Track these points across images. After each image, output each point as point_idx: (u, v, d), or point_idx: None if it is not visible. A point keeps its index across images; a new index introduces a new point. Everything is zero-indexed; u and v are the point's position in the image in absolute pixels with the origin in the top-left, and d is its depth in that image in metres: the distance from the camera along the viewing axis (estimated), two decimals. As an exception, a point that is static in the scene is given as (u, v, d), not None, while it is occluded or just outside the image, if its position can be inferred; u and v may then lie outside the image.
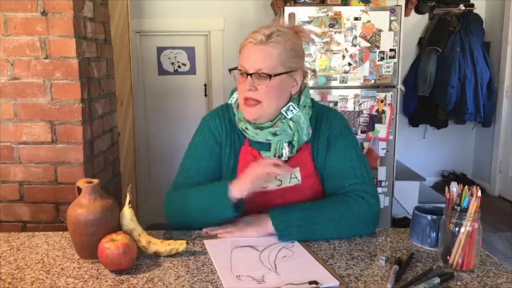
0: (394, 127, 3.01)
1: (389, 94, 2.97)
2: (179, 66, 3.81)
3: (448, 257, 1.02)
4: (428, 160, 4.43)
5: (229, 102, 1.31)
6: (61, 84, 1.81)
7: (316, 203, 1.21)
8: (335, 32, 2.90)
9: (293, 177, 1.26)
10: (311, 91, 1.36)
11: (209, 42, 3.75)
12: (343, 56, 2.93)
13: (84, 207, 1.04)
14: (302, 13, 2.87)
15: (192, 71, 3.83)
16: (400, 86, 3.12)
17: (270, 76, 1.17)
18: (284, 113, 1.23)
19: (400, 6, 2.93)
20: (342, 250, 1.12)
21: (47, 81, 1.81)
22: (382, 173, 3.04)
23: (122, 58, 2.76)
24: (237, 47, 1.25)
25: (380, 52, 2.92)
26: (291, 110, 1.23)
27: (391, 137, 3.01)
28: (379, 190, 2.99)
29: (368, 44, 2.91)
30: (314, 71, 2.85)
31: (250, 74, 1.17)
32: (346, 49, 2.92)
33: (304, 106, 1.26)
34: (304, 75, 1.28)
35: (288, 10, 2.87)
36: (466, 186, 1.03)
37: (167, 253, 1.07)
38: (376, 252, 1.11)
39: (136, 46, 3.65)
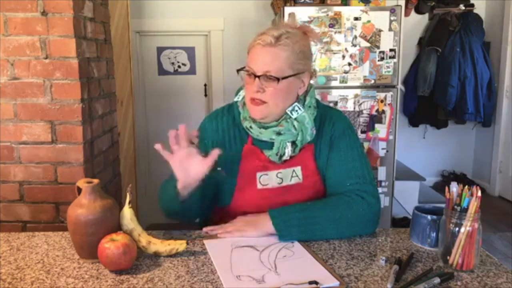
0: (394, 127, 3.01)
1: (389, 94, 2.97)
2: (179, 66, 3.80)
3: (448, 257, 1.02)
4: (428, 160, 4.43)
5: (235, 99, 1.32)
6: (61, 84, 1.81)
7: (316, 203, 1.21)
8: (335, 32, 2.90)
9: (294, 176, 1.26)
10: (311, 91, 1.36)
11: (209, 42, 3.74)
12: (343, 56, 2.93)
13: (84, 207, 1.04)
14: (302, 13, 2.87)
15: (192, 71, 3.82)
16: (400, 86, 3.12)
17: (278, 79, 1.17)
18: (289, 113, 1.23)
19: (400, 6, 2.93)
20: (342, 250, 1.12)
21: (47, 81, 1.81)
22: (382, 173, 3.04)
23: (122, 58, 2.76)
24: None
25: (380, 52, 2.92)
26: (296, 110, 1.23)
27: (391, 137, 3.02)
28: (379, 190, 2.99)
29: (368, 44, 2.92)
30: (314, 71, 2.84)
31: (258, 76, 1.18)
32: (346, 49, 2.92)
33: (309, 107, 1.26)
34: (311, 76, 1.28)
35: (288, 10, 2.87)
36: (466, 186, 1.03)
37: (167, 253, 1.07)
38: (376, 252, 1.11)
39: (136, 46, 3.65)
